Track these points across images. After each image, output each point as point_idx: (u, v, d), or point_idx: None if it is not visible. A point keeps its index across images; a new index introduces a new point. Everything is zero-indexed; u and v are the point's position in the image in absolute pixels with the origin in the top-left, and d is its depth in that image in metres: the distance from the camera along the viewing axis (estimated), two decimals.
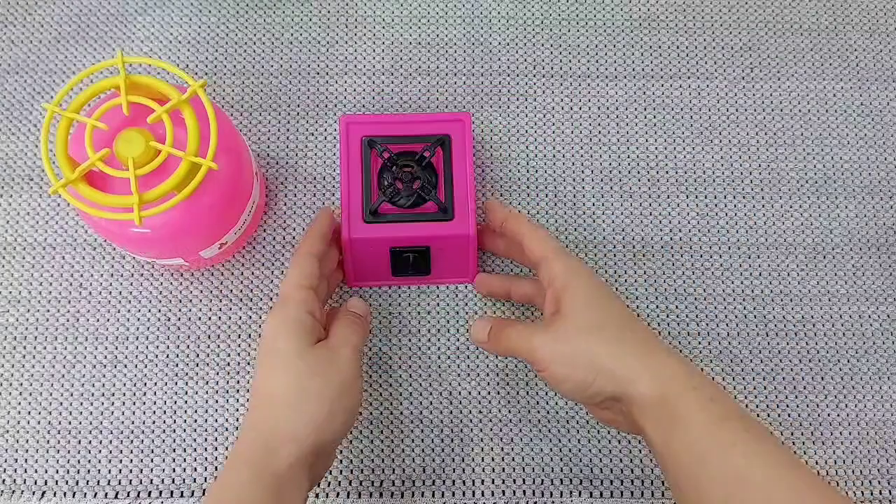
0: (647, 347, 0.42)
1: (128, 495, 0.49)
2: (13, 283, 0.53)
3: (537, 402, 0.52)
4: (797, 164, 0.56)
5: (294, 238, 0.54)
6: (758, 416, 0.52)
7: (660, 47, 0.58)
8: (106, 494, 0.49)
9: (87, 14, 0.58)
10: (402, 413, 0.51)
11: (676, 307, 0.53)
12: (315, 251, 0.47)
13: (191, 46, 0.57)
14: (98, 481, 0.50)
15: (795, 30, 0.59)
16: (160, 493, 0.49)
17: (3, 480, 0.49)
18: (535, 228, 0.48)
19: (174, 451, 0.50)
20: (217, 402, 0.51)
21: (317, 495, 0.49)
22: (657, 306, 0.53)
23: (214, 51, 0.57)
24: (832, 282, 0.54)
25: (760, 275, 0.54)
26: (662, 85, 0.58)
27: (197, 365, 0.52)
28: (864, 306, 0.54)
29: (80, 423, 0.51)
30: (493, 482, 0.50)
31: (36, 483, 0.50)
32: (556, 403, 0.52)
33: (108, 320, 0.52)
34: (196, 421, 0.51)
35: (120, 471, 0.50)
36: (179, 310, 0.52)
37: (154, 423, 0.51)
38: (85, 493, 0.49)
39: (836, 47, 0.59)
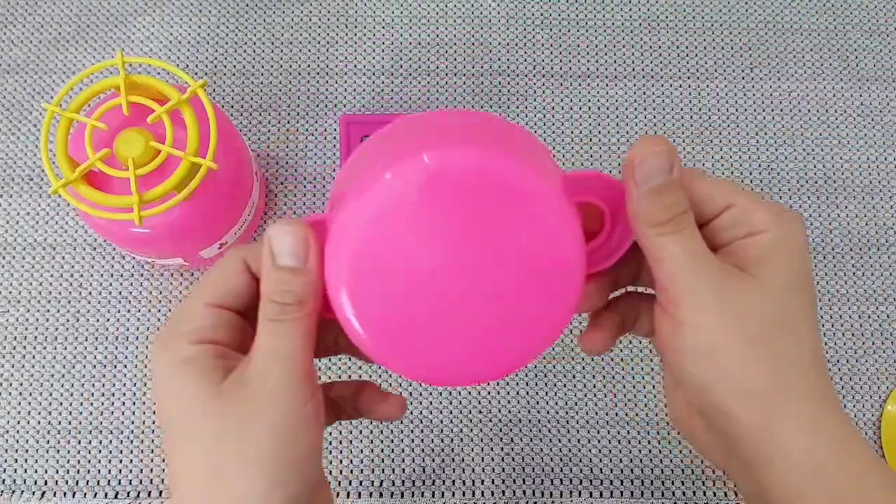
0: (823, 390, 0.29)
1: (128, 495, 0.49)
2: (13, 283, 0.53)
3: (537, 402, 0.52)
4: (797, 164, 0.56)
5: None
6: None
7: (660, 47, 0.58)
8: (106, 494, 0.49)
9: (87, 14, 0.58)
10: None
11: None
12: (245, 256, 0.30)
13: (191, 46, 0.57)
14: (98, 481, 0.50)
15: (795, 30, 0.59)
16: (160, 493, 0.49)
17: (3, 480, 0.49)
18: (701, 173, 0.31)
19: None
20: None
21: None
22: None
23: (214, 51, 0.57)
24: (832, 282, 0.54)
25: None
26: (662, 85, 0.58)
27: None
28: (864, 306, 0.54)
29: (80, 423, 0.51)
30: (493, 482, 0.50)
31: (36, 483, 0.50)
32: (556, 403, 0.52)
33: (108, 320, 0.52)
34: None
35: (120, 471, 0.50)
36: None
37: (154, 423, 0.51)
38: (85, 494, 0.49)
39: (836, 47, 0.59)
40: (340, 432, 0.51)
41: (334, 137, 0.56)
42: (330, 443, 0.50)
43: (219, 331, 0.29)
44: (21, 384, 0.51)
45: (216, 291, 0.29)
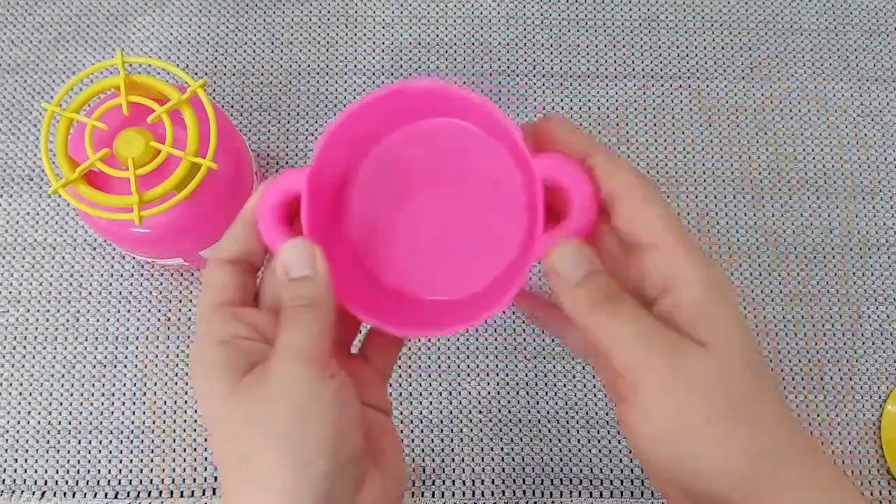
0: (803, 463, 0.28)
1: (128, 495, 0.49)
2: (13, 283, 0.53)
3: (537, 402, 0.52)
4: (797, 164, 0.56)
5: None
6: None
7: (660, 47, 0.58)
8: (106, 494, 0.49)
9: (87, 14, 0.58)
10: (401, 413, 0.51)
11: None
12: (229, 255, 0.31)
13: (191, 46, 0.57)
14: (98, 481, 0.50)
15: (795, 30, 0.59)
16: (160, 493, 0.49)
17: (3, 480, 0.49)
18: (637, 178, 0.30)
19: (174, 451, 0.50)
20: None
21: None
22: None
23: (214, 51, 0.57)
24: (832, 282, 0.54)
25: (760, 275, 0.54)
26: (662, 85, 0.58)
27: None
28: (864, 306, 0.54)
29: (80, 423, 0.51)
30: (492, 482, 0.50)
31: (36, 483, 0.50)
32: (556, 403, 0.52)
33: (108, 320, 0.52)
34: (196, 421, 0.51)
35: (120, 471, 0.50)
36: (179, 310, 0.52)
37: (154, 423, 0.51)
38: (85, 494, 0.49)
39: (836, 47, 0.59)
40: None
41: None
42: None
43: (228, 327, 0.30)
44: (21, 384, 0.51)
45: (218, 296, 0.31)
